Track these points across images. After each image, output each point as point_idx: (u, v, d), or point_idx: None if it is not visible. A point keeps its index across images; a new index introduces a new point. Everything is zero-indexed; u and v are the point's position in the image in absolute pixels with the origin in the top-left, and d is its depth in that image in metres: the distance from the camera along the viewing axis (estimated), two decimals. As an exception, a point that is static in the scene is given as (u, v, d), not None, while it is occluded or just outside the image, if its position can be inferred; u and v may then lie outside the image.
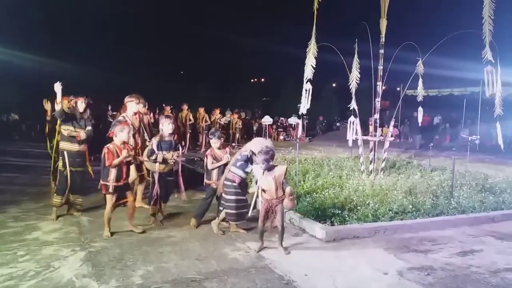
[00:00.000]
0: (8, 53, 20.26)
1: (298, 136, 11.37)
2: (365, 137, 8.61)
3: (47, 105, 6.37)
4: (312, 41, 7.90)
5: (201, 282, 3.87)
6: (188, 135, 13.90)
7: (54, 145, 6.18)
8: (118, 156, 4.97)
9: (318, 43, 7.91)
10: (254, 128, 22.05)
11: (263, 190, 4.61)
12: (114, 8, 30.56)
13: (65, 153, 5.79)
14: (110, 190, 4.99)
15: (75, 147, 5.80)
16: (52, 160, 6.26)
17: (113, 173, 4.95)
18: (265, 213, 4.63)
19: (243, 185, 5.25)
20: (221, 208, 5.36)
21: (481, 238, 5.51)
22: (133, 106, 6.26)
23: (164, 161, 5.49)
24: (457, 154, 8.05)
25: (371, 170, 8.31)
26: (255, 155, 4.87)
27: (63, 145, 5.82)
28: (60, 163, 5.87)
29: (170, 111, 14.23)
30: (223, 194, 5.22)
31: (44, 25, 27.34)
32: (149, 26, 35.82)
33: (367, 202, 6.08)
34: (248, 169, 5.18)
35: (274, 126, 22.28)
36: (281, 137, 22.03)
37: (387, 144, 8.58)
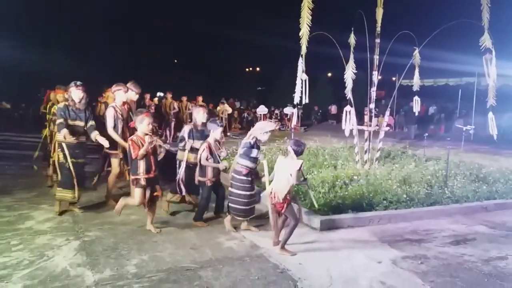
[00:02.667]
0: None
1: (293, 125, 11.27)
2: (360, 127, 8.60)
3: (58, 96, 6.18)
4: (303, 20, 7.62)
5: (196, 271, 3.88)
6: (173, 124, 13.37)
7: (47, 135, 6.03)
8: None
9: (313, 33, 7.80)
10: (249, 117, 21.95)
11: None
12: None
13: (64, 144, 5.44)
14: (142, 183, 4.81)
15: (74, 138, 5.48)
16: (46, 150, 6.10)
17: (142, 165, 4.80)
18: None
19: (252, 176, 4.94)
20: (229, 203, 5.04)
21: (474, 227, 5.56)
22: (121, 95, 6.00)
23: (194, 150, 5.38)
24: (451, 144, 8.08)
25: (366, 160, 8.33)
26: (259, 140, 4.91)
27: (61, 137, 5.43)
28: (60, 155, 5.51)
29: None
30: (230, 188, 4.98)
31: (37, 14, 27.00)
32: (144, 18, 35.55)
33: (362, 192, 6.10)
34: (253, 154, 4.84)
35: (269, 116, 22.21)
36: (276, 127, 21.98)
37: (382, 134, 8.58)
